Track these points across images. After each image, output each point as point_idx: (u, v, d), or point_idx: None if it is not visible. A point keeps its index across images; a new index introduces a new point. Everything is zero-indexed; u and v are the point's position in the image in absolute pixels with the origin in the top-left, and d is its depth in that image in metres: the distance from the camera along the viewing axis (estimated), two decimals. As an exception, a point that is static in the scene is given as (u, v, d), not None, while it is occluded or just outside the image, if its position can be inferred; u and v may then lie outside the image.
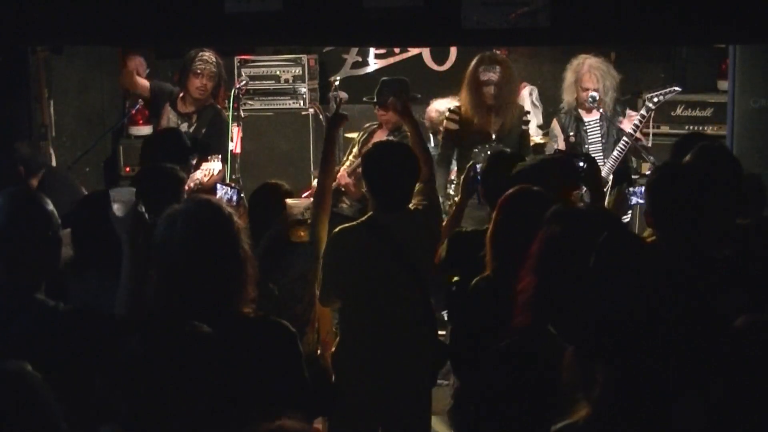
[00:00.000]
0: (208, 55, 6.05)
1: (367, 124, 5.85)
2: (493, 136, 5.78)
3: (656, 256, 2.84)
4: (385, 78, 5.72)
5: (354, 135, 6.33)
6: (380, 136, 5.68)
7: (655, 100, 5.82)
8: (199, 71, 5.99)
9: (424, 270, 3.94)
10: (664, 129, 6.83)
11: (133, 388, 2.31)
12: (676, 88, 5.99)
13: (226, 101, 6.50)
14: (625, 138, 5.79)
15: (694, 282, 3.01)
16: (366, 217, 4.01)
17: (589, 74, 6.00)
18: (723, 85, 6.70)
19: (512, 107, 5.81)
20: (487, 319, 3.35)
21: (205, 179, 5.38)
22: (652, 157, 6.09)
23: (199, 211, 2.73)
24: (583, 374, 2.23)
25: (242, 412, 2.52)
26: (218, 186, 4.72)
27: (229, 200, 4.52)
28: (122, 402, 2.34)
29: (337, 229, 4.05)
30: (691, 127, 6.68)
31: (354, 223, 4.09)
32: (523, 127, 5.91)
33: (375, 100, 5.60)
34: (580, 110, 6.09)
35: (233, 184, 5.96)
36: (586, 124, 6.07)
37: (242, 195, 5.68)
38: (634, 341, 2.23)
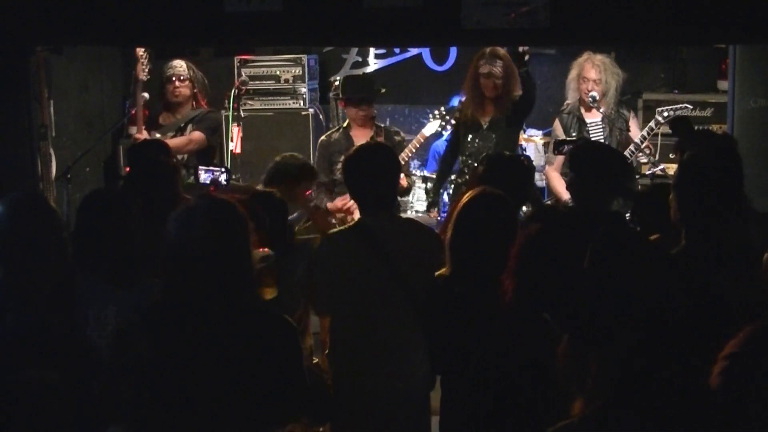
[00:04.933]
0: (177, 61, 6.30)
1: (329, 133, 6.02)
2: (484, 126, 5.86)
3: (657, 250, 2.83)
4: (348, 75, 5.80)
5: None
6: (362, 136, 5.73)
7: (666, 114, 5.85)
8: (169, 74, 6.26)
9: (412, 272, 3.81)
10: (665, 129, 6.82)
11: (140, 389, 2.31)
12: (688, 106, 6.07)
13: (226, 101, 6.51)
14: (631, 148, 5.81)
15: (709, 278, 2.99)
16: (355, 222, 4.01)
17: (592, 66, 6.03)
18: (723, 85, 6.70)
19: (509, 100, 5.82)
20: (440, 318, 3.40)
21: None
22: (652, 157, 6.10)
23: (218, 209, 2.76)
24: (577, 365, 2.23)
25: (250, 412, 2.52)
26: (200, 169, 4.67)
27: (216, 180, 4.54)
28: (129, 403, 2.34)
29: (326, 234, 4.11)
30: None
31: (343, 227, 4.13)
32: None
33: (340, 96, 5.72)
34: (582, 111, 6.09)
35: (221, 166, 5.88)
36: (588, 125, 6.07)
37: (233, 176, 5.59)
38: (630, 332, 2.23)
